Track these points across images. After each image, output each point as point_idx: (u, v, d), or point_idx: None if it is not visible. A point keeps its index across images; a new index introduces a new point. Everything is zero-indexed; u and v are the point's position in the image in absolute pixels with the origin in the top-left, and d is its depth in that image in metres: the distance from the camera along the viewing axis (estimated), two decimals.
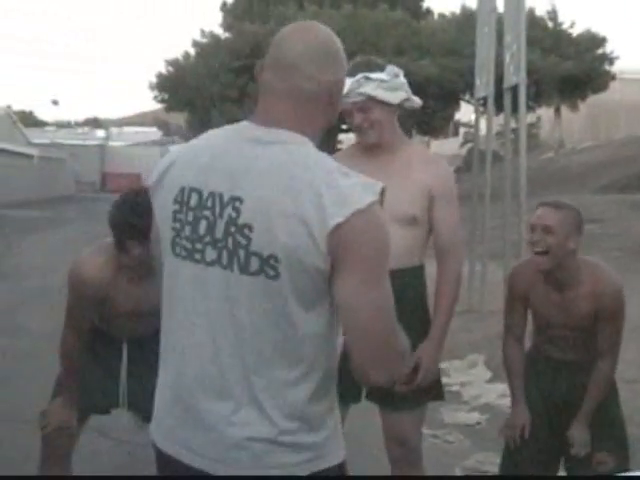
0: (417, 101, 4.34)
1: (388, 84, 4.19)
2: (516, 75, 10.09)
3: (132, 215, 4.14)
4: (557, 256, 4.28)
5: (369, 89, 4.15)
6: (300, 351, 2.40)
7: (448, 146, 49.63)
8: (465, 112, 41.35)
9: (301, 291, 2.35)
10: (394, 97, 4.21)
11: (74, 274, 4.34)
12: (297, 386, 2.41)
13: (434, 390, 4.43)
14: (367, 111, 4.20)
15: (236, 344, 2.41)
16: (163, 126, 72.49)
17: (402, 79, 4.25)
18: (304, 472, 2.44)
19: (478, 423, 7.33)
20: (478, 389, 8.18)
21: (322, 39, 2.51)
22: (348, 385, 4.26)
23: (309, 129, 2.48)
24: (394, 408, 4.35)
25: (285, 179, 2.34)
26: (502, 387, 8.00)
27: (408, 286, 4.28)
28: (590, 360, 4.50)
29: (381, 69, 4.22)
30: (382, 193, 2.34)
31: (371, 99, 4.17)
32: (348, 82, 4.09)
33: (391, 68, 4.25)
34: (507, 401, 7.62)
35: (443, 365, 8.51)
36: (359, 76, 4.13)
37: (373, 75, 4.17)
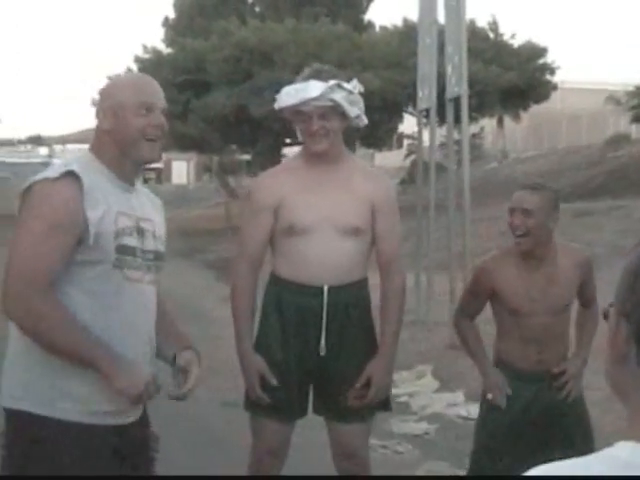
0: (364, 120, 4.35)
1: (352, 97, 4.20)
2: (458, 86, 10.18)
3: None
4: (537, 236, 4.39)
5: (339, 97, 4.13)
6: None
7: (392, 158, 49.77)
8: (409, 124, 41.48)
9: None
10: (352, 111, 4.22)
11: None
12: None
13: (382, 402, 4.42)
14: (327, 119, 4.17)
15: None
16: None
17: (359, 95, 4.28)
18: None
19: (427, 433, 7.35)
20: (426, 399, 8.21)
21: (107, 82, 3.55)
22: (292, 400, 4.30)
23: (96, 143, 3.37)
24: (342, 420, 4.34)
25: None
26: (450, 396, 8.06)
27: (355, 301, 4.30)
28: (560, 371, 4.52)
29: (348, 80, 4.24)
30: (69, 174, 3.14)
31: (336, 108, 4.16)
32: (320, 85, 4.11)
33: (355, 82, 4.27)
34: (455, 410, 7.70)
35: None
36: (332, 82, 4.12)
37: (345, 84, 4.18)
